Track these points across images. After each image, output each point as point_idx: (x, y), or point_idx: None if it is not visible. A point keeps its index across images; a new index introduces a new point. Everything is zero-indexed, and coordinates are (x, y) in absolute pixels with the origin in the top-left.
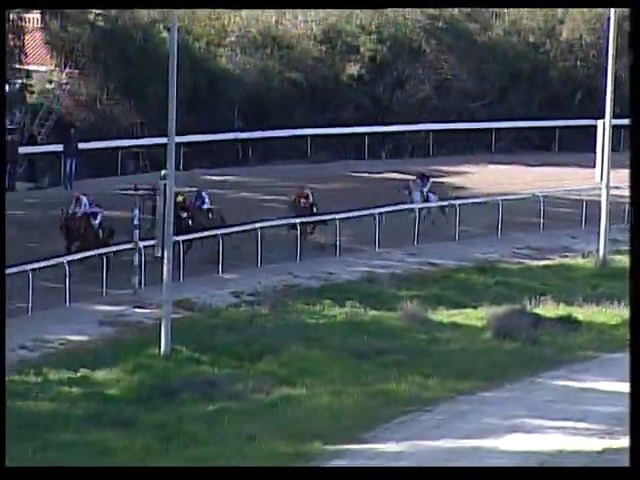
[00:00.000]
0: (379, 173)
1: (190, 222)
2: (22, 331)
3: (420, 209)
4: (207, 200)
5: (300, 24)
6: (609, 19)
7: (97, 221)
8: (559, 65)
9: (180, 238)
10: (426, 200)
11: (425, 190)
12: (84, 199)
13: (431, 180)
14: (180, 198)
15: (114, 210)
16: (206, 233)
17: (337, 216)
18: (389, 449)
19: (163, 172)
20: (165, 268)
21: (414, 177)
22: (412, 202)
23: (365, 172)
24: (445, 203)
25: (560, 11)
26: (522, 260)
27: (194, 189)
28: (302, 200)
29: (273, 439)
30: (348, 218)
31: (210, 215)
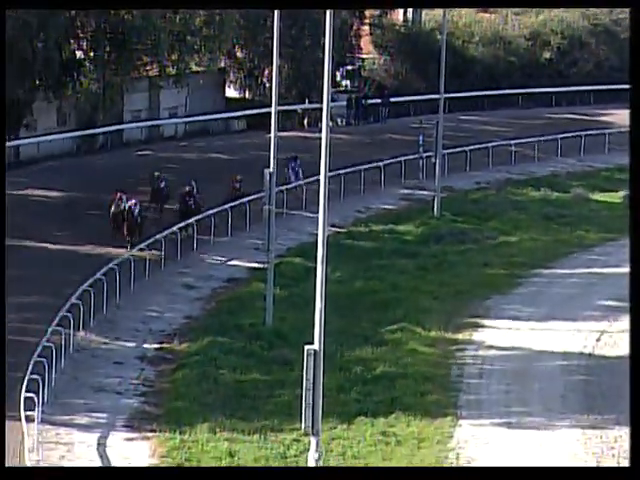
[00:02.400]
0: (560, 114)
1: (193, 206)
2: (357, 202)
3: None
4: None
5: (515, 28)
6: None
7: (137, 211)
8: None
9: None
10: (296, 176)
11: (295, 167)
12: (124, 197)
13: (298, 160)
14: (187, 189)
15: (408, 136)
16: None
17: (532, 140)
18: (564, 272)
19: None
20: (437, 168)
21: (288, 158)
22: (287, 179)
23: (552, 114)
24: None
25: None
26: None
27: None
28: (236, 184)
29: (497, 266)
30: (539, 141)
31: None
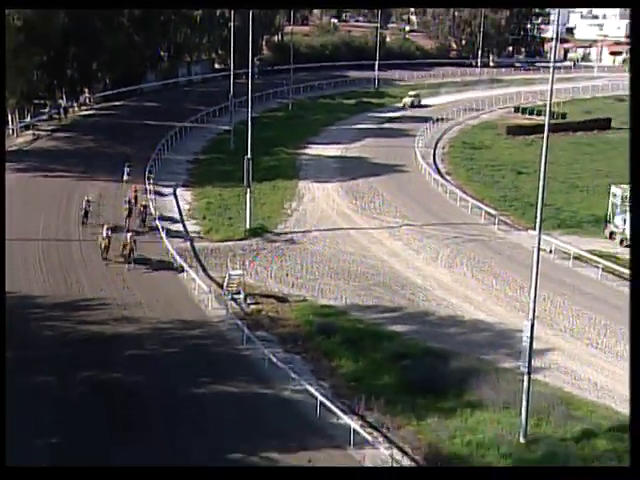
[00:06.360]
0: (333, 73)
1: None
2: (262, 105)
3: None
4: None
5: (317, 43)
6: None
7: (133, 241)
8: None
9: None
10: (128, 174)
11: (127, 167)
12: (110, 231)
13: (129, 164)
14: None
15: (279, 81)
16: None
17: (325, 81)
18: (336, 127)
19: None
20: (290, 92)
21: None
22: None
23: (331, 74)
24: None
25: None
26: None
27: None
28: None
29: (313, 126)
30: (327, 82)
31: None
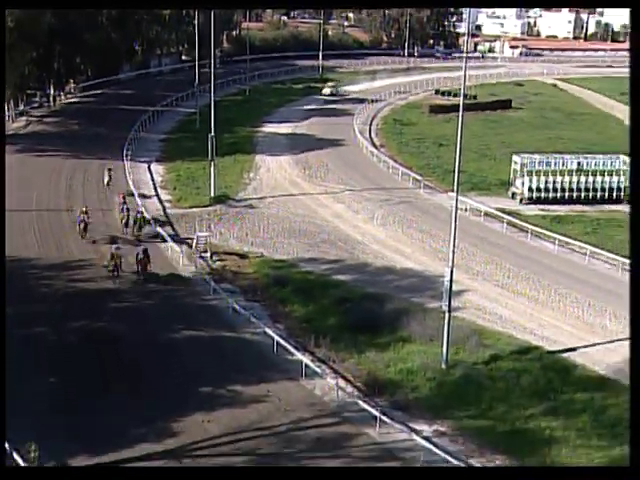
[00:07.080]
0: (280, 62)
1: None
2: (223, 91)
3: None
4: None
5: (269, 37)
6: None
7: (144, 255)
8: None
9: None
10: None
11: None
12: (120, 246)
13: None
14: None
15: (238, 70)
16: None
17: (276, 70)
18: (286, 109)
19: None
20: (247, 79)
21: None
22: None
23: (278, 63)
24: None
25: None
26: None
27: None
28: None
29: (266, 107)
30: (277, 71)
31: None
